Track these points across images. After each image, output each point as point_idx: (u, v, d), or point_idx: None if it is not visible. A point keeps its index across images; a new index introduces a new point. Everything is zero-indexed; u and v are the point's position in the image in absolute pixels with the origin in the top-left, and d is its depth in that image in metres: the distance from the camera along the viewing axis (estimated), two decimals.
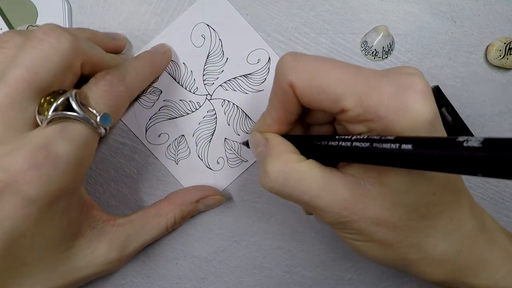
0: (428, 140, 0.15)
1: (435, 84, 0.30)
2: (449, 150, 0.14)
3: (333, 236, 0.30)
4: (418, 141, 0.15)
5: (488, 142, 0.13)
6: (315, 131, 0.24)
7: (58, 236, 0.23)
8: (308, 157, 0.21)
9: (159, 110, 0.30)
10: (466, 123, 0.29)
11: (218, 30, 0.30)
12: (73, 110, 0.21)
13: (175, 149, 0.30)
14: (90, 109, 0.22)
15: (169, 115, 0.30)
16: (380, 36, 0.29)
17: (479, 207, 0.24)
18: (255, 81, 0.30)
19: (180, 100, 0.30)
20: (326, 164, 0.21)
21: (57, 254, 0.24)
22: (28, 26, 0.29)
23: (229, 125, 0.30)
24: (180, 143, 0.30)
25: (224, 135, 0.30)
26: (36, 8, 0.29)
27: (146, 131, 0.30)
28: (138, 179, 0.30)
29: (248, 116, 0.30)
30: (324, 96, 0.19)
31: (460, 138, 0.14)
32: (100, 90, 0.23)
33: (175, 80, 0.30)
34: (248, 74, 0.30)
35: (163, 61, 0.29)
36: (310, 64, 0.19)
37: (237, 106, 0.30)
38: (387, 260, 0.22)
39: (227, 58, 0.30)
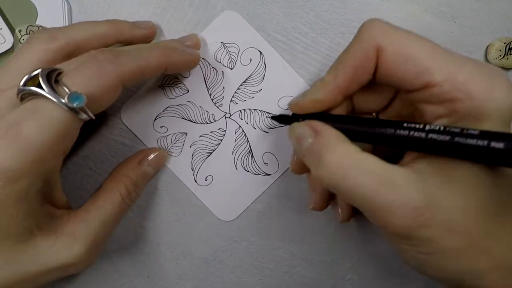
0: None
1: None
2: None
3: (333, 236, 0.30)
4: (510, 139, 0.14)
5: None
6: (359, 102, 0.23)
7: (12, 225, 0.21)
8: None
9: (178, 105, 0.30)
10: None
11: (266, 56, 0.30)
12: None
13: (168, 144, 0.30)
14: (64, 88, 0.20)
15: (183, 114, 0.30)
16: None
17: None
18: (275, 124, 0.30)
19: (201, 106, 0.30)
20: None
21: (11, 246, 0.22)
22: (28, 26, 0.29)
23: (232, 153, 0.30)
24: (178, 141, 0.30)
25: (224, 159, 0.30)
26: (36, 8, 0.29)
27: (154, 119, 0.30)
28: None
29: (253, 155, 0.30)
30: (412, 66, 0.18)
31: None
32: (82, 68, 0.21)
33: (205, 84, 0.30)
34: (271, 114, 0.29)
35: (182, 61, 0.27)
36: (401, 32, 0.19)
37: (248, 140, 0.30)
38: (454, 274, 0.18)
39: (261, 89, 0.30)
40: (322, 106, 0.22)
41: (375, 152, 0.22)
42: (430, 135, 0.16)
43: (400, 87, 0.20)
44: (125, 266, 0.30)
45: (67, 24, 0.29)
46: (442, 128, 0.16)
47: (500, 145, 0.14)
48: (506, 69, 0.30)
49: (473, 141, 0.15)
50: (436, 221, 0.17)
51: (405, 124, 0.18)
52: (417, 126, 0.17)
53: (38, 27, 0.29)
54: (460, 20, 0.30)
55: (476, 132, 0.15)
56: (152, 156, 0.28)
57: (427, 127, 0.17)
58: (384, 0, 0.30)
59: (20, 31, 0.29)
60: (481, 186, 0.17)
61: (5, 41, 0.28)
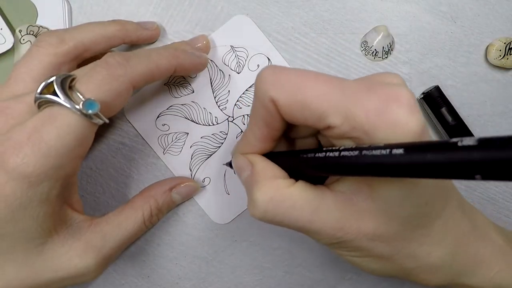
0: (420, 144, 0.14)
1: (435, 84, 0.30)
2: (443, 152, 0.13)
3: None
4: (409, 146, 0.14)
5: (484, 141, 0.12)
6: (300, 145, 0.24)
7: (32, 226, 0.21)
8: (295, 176, 0.21)
9: (182, 105, 0.30)
10: (466, 123, 0.29)
11: (274, 63, 0.30)
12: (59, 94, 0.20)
13: (168, 142, 0.30)
14: (78, 94, 0.20)
15: (186, 114, 0.30)
16: (380, 36, 0.29)
17: (469, 205, 0.24)
18: None
19: (204, 108, 0.30)
20: (315, 182, 0.21)
21: (29, 248, 0.22)
22: (28, 26, 0.29)
23: (232, 157, 0.30)
24: (178, 140, 0.30)
25: (223, 162, 0.30)
26: (36, 8, 0.29)
27: (157, 117, 0.30)
28: (138, 179, 0.30)
29: None
30: (309, 112, 0.18)
31: (454, 139, 0.13)
32: (94, 73, 0.21)
33: (211, 86, 0.30)
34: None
35: (190, 64, 0.27)
36: (292, 78, 0.18)
37: None
38: (385, 272, 0.22)
39: None
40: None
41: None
42: (342, 153, 0.17)
43: (310, 127, 0.20)
44: (125, 266, 0.30)
45: (67, 24, 0.29)
46: (353, 146, 0.17)
47: (400, 150, 0.14)
48: (506, 69, 0.30)
49: (377, 152, 0.15)
50: (361, 234, 0.19)
51: (324, 149, 0.19)
52: (334, 148, 0.18)
53: (39, 27, 0.29)
54: (460, 20, 0.30)
55: (381, 144, 0.16)
56: (183, 185, 0.28)
57: (341, 148, 0.18)
58: (384, 0, 0.30)
59: (20, 31, 0.29)
60: (402, 202, 0.19)
61: (5, 41, 0.28)
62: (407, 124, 0.17)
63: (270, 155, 0.22)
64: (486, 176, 0.12)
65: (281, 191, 0.19)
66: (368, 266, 0.22)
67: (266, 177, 0.20)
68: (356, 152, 0.16)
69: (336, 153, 0.17)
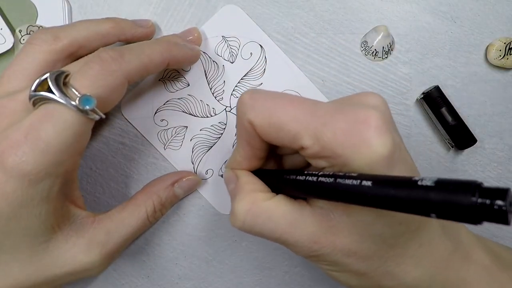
0: (386, 178, 0.15)
1: (435, 84, 0.30)
2: (404, 189, 0.14)
3: None
4: (377, 179, 0.15)
5: (441, 184, 0.13)
6: (288, 161, 0.25)
7: (35, 224, 0.21)
8: (279, 192, 0.22)
9: (178, 99, 0.30)
10: (466, 123, 0.29)
11: (267, 50, 0.30)
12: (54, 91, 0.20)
13: (168, 138, 0.30)
14: (73, 90, 0.20)
15: (184, 108, 0.30)
16: (380, 36, 0.29)
17: (454, 222, 0.24)
18: None
19: (201, 100, 0.30)
20: (297, 197, 0.21)
21: (34, 245, 0.22)
22: (28, 26, 0.29)
23: (232, 147, 0.30)
24: (178, 134, 0.30)
25: (224, 152, 0.30)
26: (36, 8, 0.29)
27: (155, 113, 0.30)
28: (138, 179, 0.30)
29: None
30: (283, 134, 0.19)
31: (416, 178, 0.14)
32: (88, 69, 0.21)
33: (206, 78, 0.30)
34: None
35: (183, 56, 0.27)
36: (267, 102, 0.20)
37: None
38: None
39: (261, 83, 0.30)
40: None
41: None
42: (320, 179, 0.18)
43: (287, 147, 0.21)
44: (125, 266, 0.30)
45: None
46: (330, 173, 0.18)
47: (368, 183, 0.15)
48: (506, 69, 0.30)
49: (349, 181, 0.16)
50: (337, 248, 0.20)
51: (305, 172, 0.20)
52: (313, 172, 0.19)
53: (39, 27, 0.29)
54: (460, 20, 0.30)
55: (355, 174, 0.16)
56: (185, 180, 0.28)
57: (320, 173, 0.18)
58: (384, 0, 0.30)
59: (20, 31, 0.29)
60: (375, 220, 0.19)
61: (5, 41, 0.28)
62: (375, 146, 0.17)
63: (258, 172, 0.24)
64: (440, 216, 0.13)
65: (258, 204, 0.21)
66: (345, 281, 0.22)
67: (246, 190, 0.21)
68: (332, 180, 0.17)
69: (314, 178, 0.18)
